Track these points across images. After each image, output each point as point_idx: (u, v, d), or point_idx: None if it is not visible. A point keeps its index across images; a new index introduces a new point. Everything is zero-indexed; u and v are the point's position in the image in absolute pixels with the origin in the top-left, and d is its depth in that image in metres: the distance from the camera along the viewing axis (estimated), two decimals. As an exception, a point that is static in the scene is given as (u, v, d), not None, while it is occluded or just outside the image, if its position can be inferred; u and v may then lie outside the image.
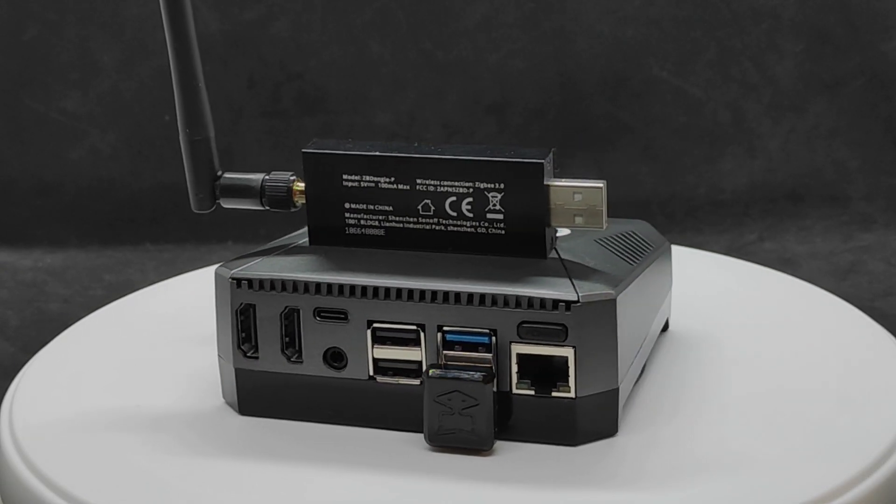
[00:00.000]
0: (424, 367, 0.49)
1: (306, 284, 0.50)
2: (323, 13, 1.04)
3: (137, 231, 1.03)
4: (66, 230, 1.03)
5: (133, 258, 1.01)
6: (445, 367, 0.48)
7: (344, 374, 0.50)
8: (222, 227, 1.02)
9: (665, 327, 0.57)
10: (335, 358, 0.50)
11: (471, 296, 0.48)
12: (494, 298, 0.48)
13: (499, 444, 0.49)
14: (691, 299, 0.59)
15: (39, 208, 1.04)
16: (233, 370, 0.51)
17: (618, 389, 0.49)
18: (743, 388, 0.52)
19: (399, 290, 0.49)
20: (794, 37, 1.04)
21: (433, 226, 0.50)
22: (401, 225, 0.51)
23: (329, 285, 0.49)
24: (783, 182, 1.03)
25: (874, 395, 0.52)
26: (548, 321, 0.47)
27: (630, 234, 0.54)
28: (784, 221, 1.02)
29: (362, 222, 0.51)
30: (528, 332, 0.48)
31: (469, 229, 0.50)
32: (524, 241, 0.50)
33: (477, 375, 0.47)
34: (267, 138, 1.04)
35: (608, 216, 0.49)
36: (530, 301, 0.48)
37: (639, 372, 0.52)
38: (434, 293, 0.48)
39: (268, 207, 0.52)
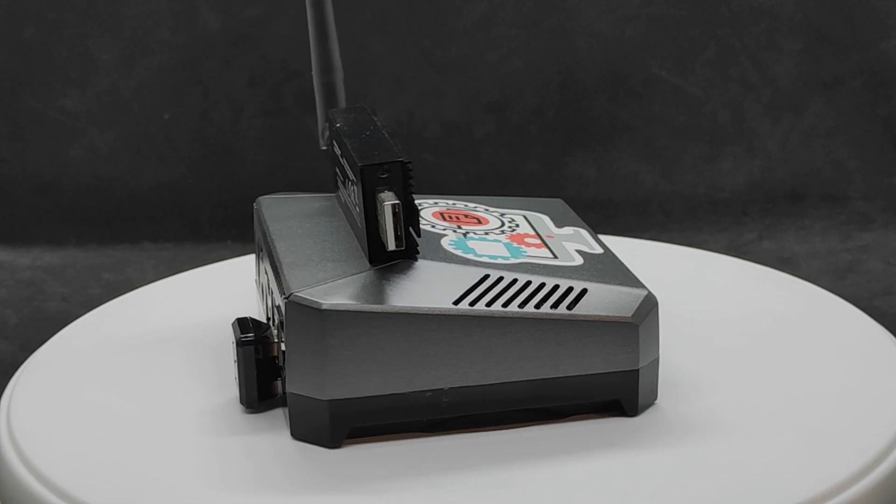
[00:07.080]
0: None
1: (260, 219, 0.54)
2: (322, 12, 1.04)
3: (136, 230, 1.03)
4: (64, 229, 1.03)
5: (132, 257, 1.01)
6: (248, 324, 0.50)
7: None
8: (221, 226, 1.02)
9: (633, 407, 0.49)
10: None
11: (275, 270, 0.49)
12: (277, 277, 0.49)
13: (276, 411, 0.50)
14: (691, 299, 0.59)
15: (38, 207, 1.04)
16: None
17: (326, 402, 0.47)
18: (741, 386, 0.52)
19: (269, 251, 0.51)
20: (793, 36, 1.04)
21: (352, 206, 0.51)
22: (343, 199, 0.53)
23: (263, 226, 0.54)
24: (782, 181, 1.03)
25: (873, 393, 0.52)
26: (282, 310, 0.48)
27: (579, 295, 0.49)
28: (783, 221, 1.02)
29: (340, 186, 0.54)
30: (277, 316, 0.49)
31: (358, 218, 0.51)
32: (371, 240, 0.49)
33: (240, 336, 0.49)
34: (267, 136, 1.04)
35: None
36: (280, 286, 0.48)
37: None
38: (272, 261, 0.50)
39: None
